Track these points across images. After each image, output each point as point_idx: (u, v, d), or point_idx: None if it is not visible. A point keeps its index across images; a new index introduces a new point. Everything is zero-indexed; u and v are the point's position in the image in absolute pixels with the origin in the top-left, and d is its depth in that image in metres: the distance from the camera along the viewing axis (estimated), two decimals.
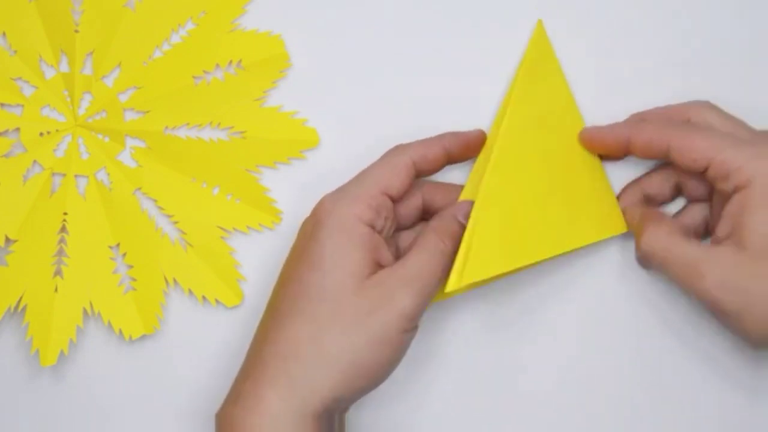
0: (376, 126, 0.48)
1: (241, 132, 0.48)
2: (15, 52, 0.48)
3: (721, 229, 0.41)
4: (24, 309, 0.47)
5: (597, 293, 0.47)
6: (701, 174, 0.42)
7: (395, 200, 0.43)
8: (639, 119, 0.46)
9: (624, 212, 0.46)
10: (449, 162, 0.45)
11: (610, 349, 0.47)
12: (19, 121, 0.48)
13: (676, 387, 0.47)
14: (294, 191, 0.48)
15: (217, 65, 0.48)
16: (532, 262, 0.43)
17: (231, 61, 0.48)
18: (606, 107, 0.47)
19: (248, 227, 0.48)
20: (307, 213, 0.47)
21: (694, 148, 0.41)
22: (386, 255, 0.42)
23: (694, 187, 0.45)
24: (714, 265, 0.40)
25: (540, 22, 0.47)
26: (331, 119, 0.48)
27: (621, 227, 0.45)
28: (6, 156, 0.48)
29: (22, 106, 0.48)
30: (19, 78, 0.48)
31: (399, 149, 0.44)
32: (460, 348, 0.47)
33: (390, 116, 0.48)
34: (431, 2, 0.48)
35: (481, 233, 0.42)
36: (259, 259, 0.48)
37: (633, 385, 0.47)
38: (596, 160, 0.46)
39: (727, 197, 0.41)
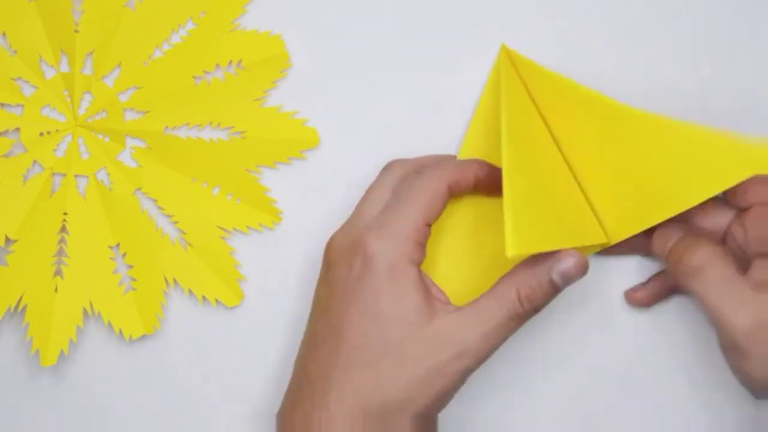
0: (376, 126, 0.48)
1: (241, 132, 0.48)
2: (15, 52, 0.48)
3: (751, 275, 0.39)
4: (24, 309, 0.47)
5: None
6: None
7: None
8: None
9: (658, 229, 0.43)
10: (473, 190, 0.43)
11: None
12: (19, 121, 0.48)
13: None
14: (294, 191, 0.48)
15: (217, 65, 0.48)
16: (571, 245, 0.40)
17: (231, 61, 0.48)
18: None
19: (248, 227, 0.48)
20: (307, 213, 0.48)
21: (750, 185, 0.41)
22: (436, 289, 0.41)
23: None
24: (749, 308, 0.39)
25: (502, 46, 0.46)
26: (331, 119, 0.48)
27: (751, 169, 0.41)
28: (6, 156, 0.48)
29: (22, 106, 0.48)
30: (19, 78, 0.48)
31: (435, 175, 0.42)
32: None
33: (390, 116, 0.48)
34: (431, 2, 0.48)
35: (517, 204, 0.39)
36: (259, 259, 0.48)
37: (630, 398, 0.47)
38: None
39: (758, 243, 0.41)
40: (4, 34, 0.49)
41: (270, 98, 0.48)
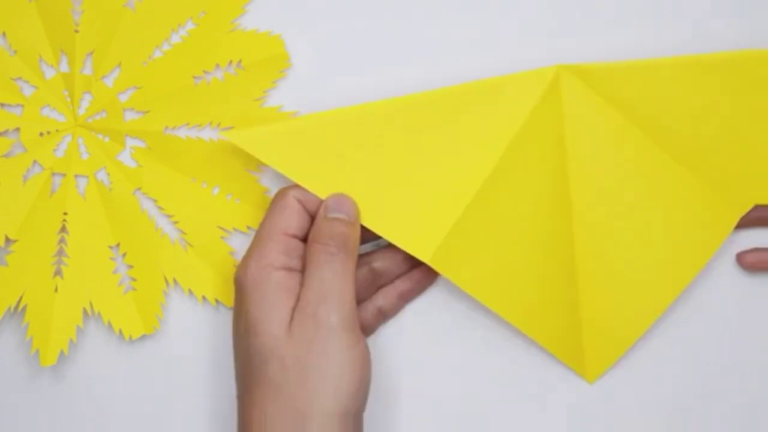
0: None
1: None
2: (15, 52, 0.48)
3: None
4: (24, 309, 0.47)
5: None
6: None
7: (301, 238, 0.44)
8: None
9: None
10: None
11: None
12: (19, 121, 0.48)
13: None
14: None
15: (217, 65, 0.48)
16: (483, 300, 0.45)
17: (231, 61, 0.48)
18: None
19: (248, 227, 0.48)
20: None
21: None
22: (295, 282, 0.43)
23: None
24: None
25: (558, 69, 0.45)
26: None
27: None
28: (6, 156, 0.48)
29: (22, 106, 0.48)
30: (19, 78, 0.48)
31: (279, 192, 0.44)
32: (462, 353, 0.47)
33: None
34: (432, 2, 0.48)
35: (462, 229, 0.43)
36: None
37: (628, 391, 0.47)
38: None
39: None
40: (4, 34, 0.49)
41: (270, 98, 0.48)
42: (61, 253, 0.47)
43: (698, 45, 0.47)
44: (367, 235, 0.44)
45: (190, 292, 0.48)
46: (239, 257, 0.48)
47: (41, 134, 0.48)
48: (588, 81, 0.44)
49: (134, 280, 0.47)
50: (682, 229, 0.44)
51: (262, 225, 0.44)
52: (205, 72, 0.48)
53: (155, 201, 0.48)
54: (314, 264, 0.42)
